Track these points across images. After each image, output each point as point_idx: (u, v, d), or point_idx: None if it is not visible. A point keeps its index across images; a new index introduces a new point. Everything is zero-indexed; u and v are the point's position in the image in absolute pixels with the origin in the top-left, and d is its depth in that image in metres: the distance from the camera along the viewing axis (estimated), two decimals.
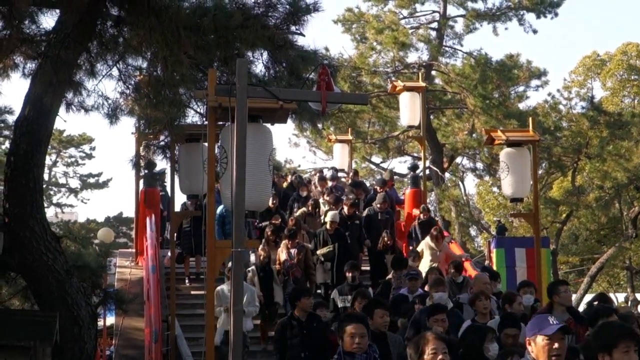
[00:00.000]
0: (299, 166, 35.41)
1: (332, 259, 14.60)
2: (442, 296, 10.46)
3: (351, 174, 21.50)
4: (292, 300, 10.58)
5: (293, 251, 14.21)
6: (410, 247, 16.14)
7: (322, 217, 16.49)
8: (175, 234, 13.89)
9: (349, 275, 12.74)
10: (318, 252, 14.70)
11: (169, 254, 15.58)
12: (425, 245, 14.87)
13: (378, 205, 16.33)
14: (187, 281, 15.84)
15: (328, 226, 14.95)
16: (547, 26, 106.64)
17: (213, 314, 8.02)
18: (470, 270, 14.77)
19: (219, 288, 11.75)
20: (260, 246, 14.01)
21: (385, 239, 15.59)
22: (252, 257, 14.47)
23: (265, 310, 13.52)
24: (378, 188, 17.72)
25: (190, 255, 15.95)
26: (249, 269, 13.63)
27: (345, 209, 15.71)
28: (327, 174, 20.29)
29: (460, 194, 35.14)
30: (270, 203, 15.27)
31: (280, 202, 17.43)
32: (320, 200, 17.41)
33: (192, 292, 15.22)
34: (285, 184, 20.25)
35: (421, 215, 16.48)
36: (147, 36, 8.97)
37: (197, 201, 14.64)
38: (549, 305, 9.49)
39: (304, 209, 16.89)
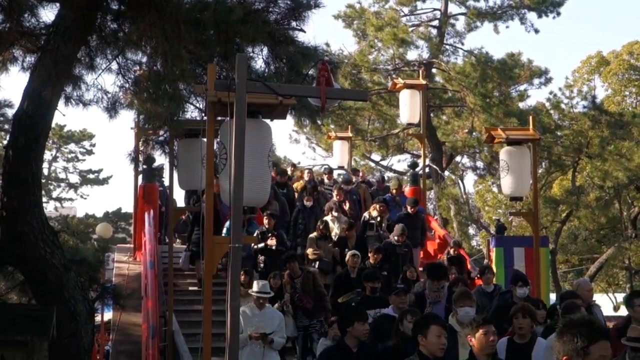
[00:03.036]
0: (299, 163, 35.36)
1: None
2: (469, 312, 8.36)
3: (372, 179, 19.96)
4: (344, 325, 8.21)
5: (298, 281, 12.74)
6: None
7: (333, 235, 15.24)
8: (174, 230, 13.84)
9: (368, 286, 11.19)
10: (340, 299, 12.67)
11: (184, 254, 15.49)
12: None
13: (396, 238, 14.63)
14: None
15: (350, 264, 13.34)
16: (549, 25, 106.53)
17: (210, 310, 7.97)
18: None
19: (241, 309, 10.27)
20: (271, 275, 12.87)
21: (408, 274, 13.62)
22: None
23: None
24: (409, 208, 16.17)
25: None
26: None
27: (371, 257, 13.75)
28: (340, 178, 19.15)
29: (459, 192, 35.12)
30: (265, 221, 14.48)
31: (283, 210, 16.29)
32: (328, 218, 15.65)
33: (190, 288, 15.20)
34: (298, 185, 18.33)
35: (451, 251, 15.24)
36: (147, 31, 8.93)
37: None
38: (627, 318, 8.79)
39: (312, 235, 14.95)
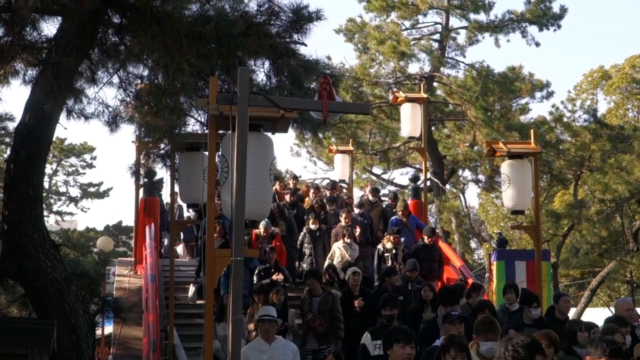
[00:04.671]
0: (300, 176, 35.35)
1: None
2: (493, 348, 6.88)
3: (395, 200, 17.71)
4: (384, 348, 7.23)
5: (316, 300, 12.12)
6: None
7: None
8: (175, 243, 13.78)
9: (386, 312, 9.83)
10: None
11: (192, 287, 14.53)
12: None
13: (407, 274, 13.63)
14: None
15: (351, 282, 12.67)
16: (550, 38, 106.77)
17: (212, 324, 7.95)
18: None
19: (244, 349, 9.04)
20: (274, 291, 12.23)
21: (422, 294, 12.56)
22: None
23: None
24: (426, 238, 14.96)
25: None
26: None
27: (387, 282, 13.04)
28: (355, 200, 17.31)
29: (460, 205, 35.09)
30: (269, 257, 13.70)
31: (290, 230, 15.56)
32: (340, 245, 14.90)
33: (191, 302, 15.15)
34: (308, 203, 17.28)
35: None
36: (148, 44, 8.95)
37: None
38: None
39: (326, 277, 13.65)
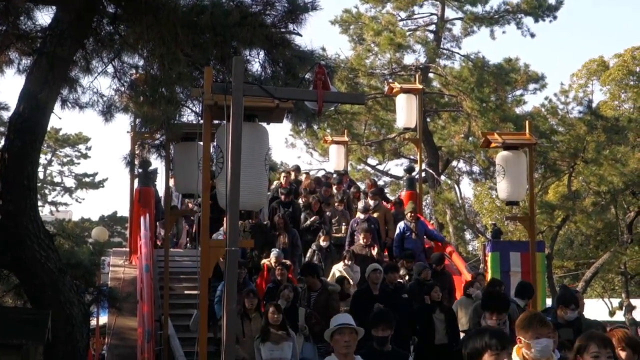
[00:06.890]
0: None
1: None
2: (549, 345, 5.45)
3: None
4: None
5: (314, 295, 11.72)
6: None
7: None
8: (169, 233, 13.76)
9: (377, 334, 7.38)
10: None
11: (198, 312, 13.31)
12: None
13: (420, 275, 13.04)
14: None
15: (372, 280, 11.96)
16: (546, 30, 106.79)
17: (206, 313, 7.95)
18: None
19: None
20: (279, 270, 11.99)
21: (433, 294, 11.76)
22: None
23: None
24: (434, 265, 14.00)
25: None
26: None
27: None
28: (360, 205, 16.13)
29: (455, 197, 35.12)
30: (277, 273, 12.53)
31: (294, 244, 14.66)
32: (340, 267, 13.86)
33: (186, 292, 15.15)
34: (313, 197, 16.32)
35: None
36: (143, 34, 8.94)
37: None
38: None
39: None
